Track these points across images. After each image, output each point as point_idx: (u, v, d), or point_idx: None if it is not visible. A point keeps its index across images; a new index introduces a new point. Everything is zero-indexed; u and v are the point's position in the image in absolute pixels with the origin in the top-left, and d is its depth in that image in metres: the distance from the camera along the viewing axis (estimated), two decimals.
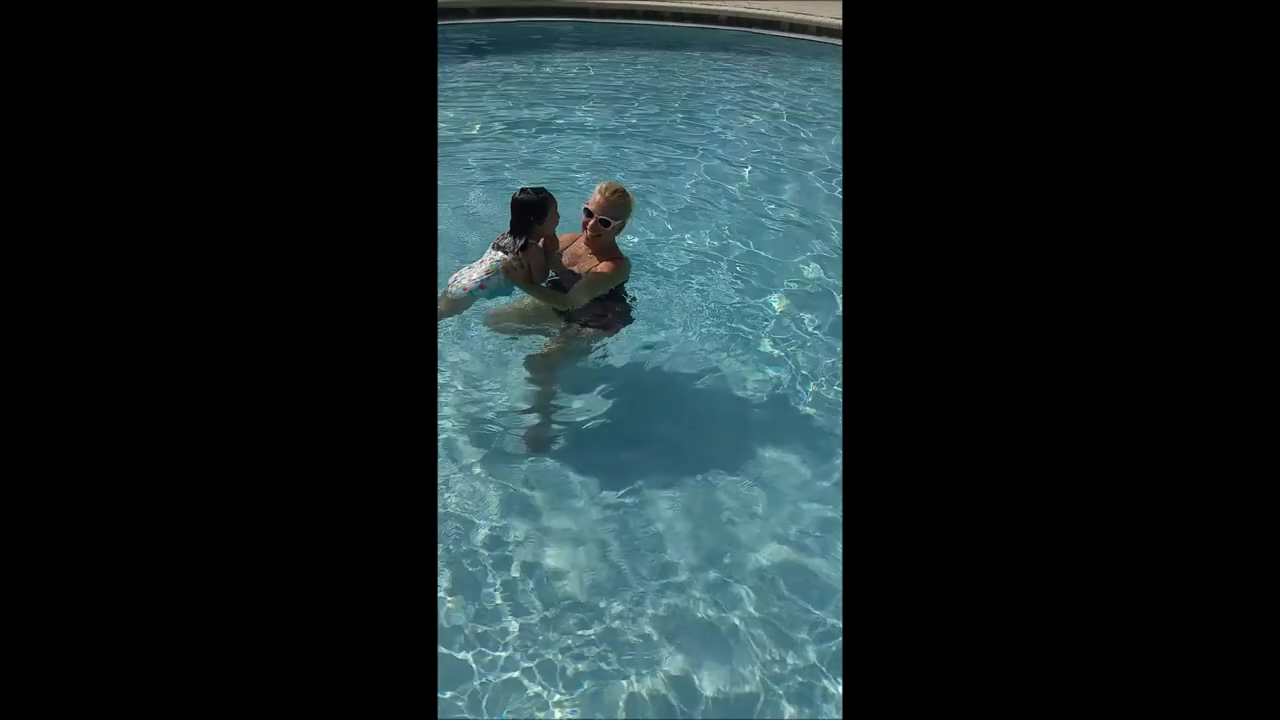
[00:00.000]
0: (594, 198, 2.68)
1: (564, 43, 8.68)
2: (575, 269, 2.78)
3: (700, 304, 3.58)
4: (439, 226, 3.92)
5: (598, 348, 3.04)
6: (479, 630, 2.04)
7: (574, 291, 2.71)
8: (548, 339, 2.90)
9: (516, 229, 2.58)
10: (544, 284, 2.75)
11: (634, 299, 3.06)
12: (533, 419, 2.81)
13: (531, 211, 2.57)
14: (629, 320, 2.99)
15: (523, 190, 2.61)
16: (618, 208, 2.70)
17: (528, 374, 2.88)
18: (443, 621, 2.03)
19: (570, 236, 2.90)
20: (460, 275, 2.64)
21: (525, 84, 7.11)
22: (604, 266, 2.72)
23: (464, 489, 2.50)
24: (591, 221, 2.68)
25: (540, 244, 2.65)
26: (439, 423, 2.66)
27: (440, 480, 2.48)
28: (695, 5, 9.69)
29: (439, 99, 5.99)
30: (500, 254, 2.58)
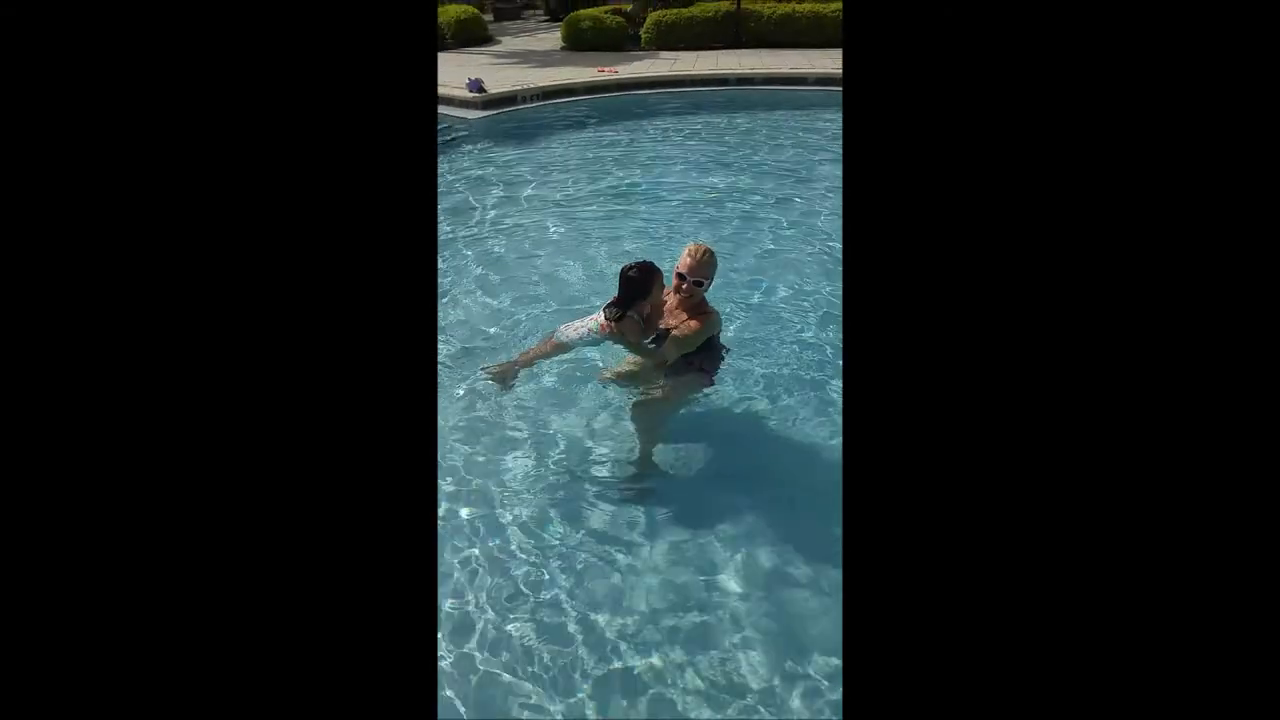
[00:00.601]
0: (685, 260, 2.80)
1: (665, 110, 9.41)
2: (667, 325, 2.93)
3: (794, 356, 3.70)
4: (568, 279, 4.58)
5: (696, 399, 3.21)
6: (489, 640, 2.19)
7: (667, 347, 2.86)
8: (650, 390, 3.12)
9: (620, 301, 2.80)
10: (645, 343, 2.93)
11: (729, 350, 3.19)
12: (634, 455, 3.01)
13: (635, 289, 2.79)
14: (717, 368, 3.11)
15: (632, 266, 2.80)
16: (708, 267, 2.82)
17: (632, 419, 3.07)
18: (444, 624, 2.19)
19: (665, 292, 3.00)
20: (568, 326, 2.98)
21: (629, 149, 7.76)
22: (694, 322, 2.85)
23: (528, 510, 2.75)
24: (685, 285, 2.81)
25: (644, 313, 2.85)
26: (546, 471, 2.95)
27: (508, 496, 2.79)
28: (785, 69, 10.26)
29: (558, 170, 6.93)
30: (601, 318, 2.86)
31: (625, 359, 3.26)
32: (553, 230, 5.53)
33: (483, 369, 3.40)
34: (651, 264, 2.83)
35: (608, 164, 7.27)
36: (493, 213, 5.96)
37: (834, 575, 2.38)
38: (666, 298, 3.06)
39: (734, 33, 12.67)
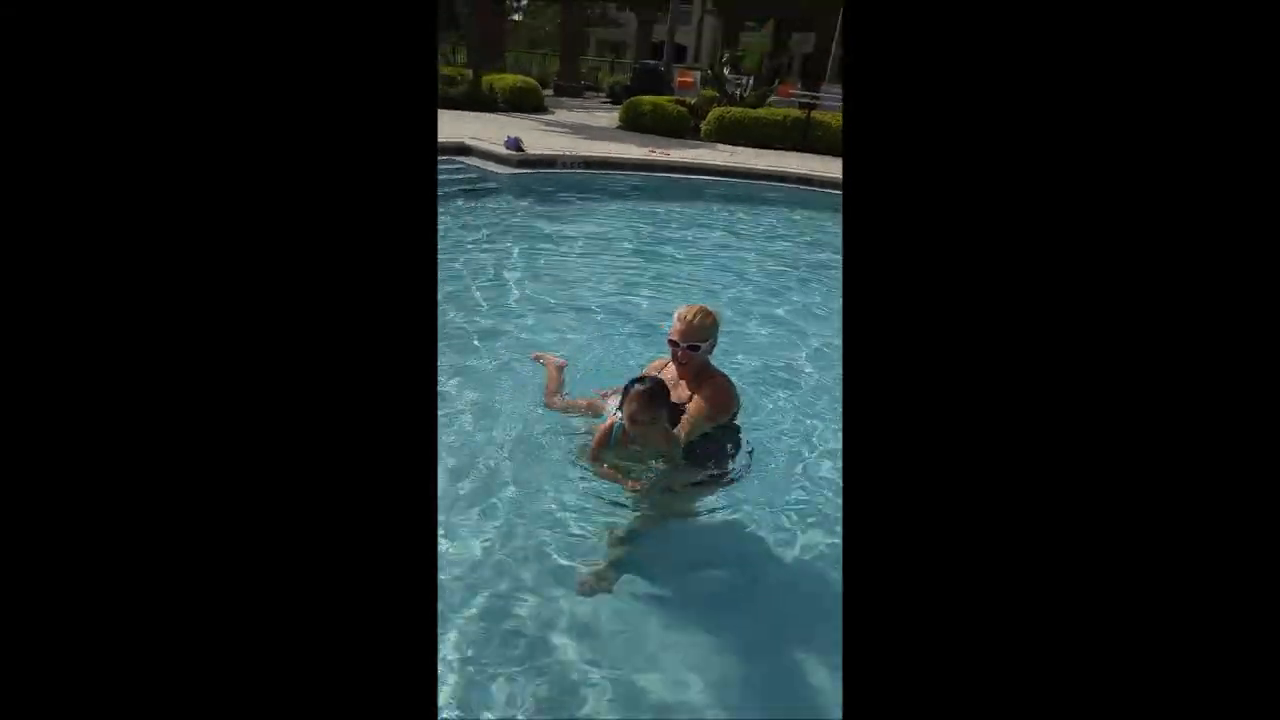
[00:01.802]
0: (675, 326, 2.52)
1: (712, 197, 8.59)
2: (674, 399, 2.50)
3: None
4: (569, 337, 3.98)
5: (707, 501, 2.58)
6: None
7: (684, 431, 2.42)
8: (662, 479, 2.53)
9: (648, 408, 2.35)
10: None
11: (749, 449, 2.67)
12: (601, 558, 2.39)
13: (663, 404, 2.36)
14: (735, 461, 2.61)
15: (643, 381, 2.37)
16: (703, 329, 2.51)
17: (632, 509, 2.50)
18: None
19: (660, 363, 2.77)
20: (610, 399, 2.67)
21: (660, 227, 6.92)
22: (708, 394, 2.51)
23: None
24: (680, 351, 2.51)
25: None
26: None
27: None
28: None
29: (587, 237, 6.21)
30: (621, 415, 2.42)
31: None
32: (557, 295, 4.84)
33: (536, 356, 3.34)
34: (660, 380, 2.41)
35: (641, 237, 6.52)
36: (494, 269, 5.29)
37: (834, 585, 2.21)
38: (659, 370, 2.70)
39: (802, 135, 11.98)
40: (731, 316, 4.53)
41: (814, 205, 8.52)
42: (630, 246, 6.24)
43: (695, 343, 2.50)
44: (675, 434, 2.42)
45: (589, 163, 9.12)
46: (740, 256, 6.27)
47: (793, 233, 7.38)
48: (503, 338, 3.94)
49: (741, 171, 9.59)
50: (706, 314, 2.54)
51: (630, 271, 5.49)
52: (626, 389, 2.36)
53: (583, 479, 2.59)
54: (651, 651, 2.03)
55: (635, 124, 12.90)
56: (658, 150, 10.22)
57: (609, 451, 2.52)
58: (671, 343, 2.53)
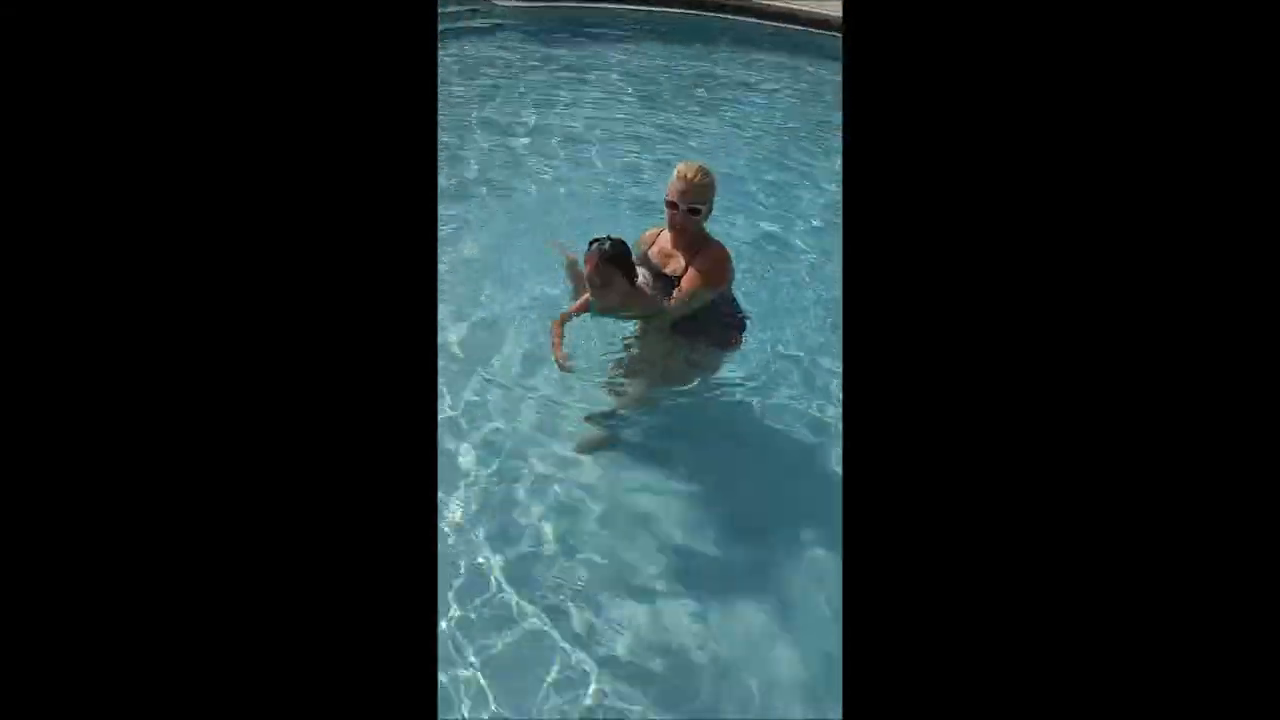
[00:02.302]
0: (674, 184, 2.30)
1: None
2: (669, 270, 2.42)
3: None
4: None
5: (710, 370, 2.62)
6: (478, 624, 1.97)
7: (675, 304, 2.35)
8: (652, 348, 2.52)
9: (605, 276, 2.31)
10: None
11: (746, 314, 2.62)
12: (599, 423, 2.51)
13: (618, 265, 2.29)
14: (744, 329, 2.58)
15: (602, 241, 2.28)
16: (704, 190, 2.31)
17: (623, 380, 2.54)
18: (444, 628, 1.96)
19: (654, 232, 2.57)
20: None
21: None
22: (704, 265, 2.35)
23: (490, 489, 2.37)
24: (678, 213, 2.32)
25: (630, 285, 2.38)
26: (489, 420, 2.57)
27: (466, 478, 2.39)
28: None
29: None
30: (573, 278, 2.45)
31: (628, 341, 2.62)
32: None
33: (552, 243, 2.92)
34: (621, 240, 2.32)
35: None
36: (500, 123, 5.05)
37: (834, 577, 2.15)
38: (652, 240, 2.54)
39: None
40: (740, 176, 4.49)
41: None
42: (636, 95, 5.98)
43: (696, 204, 2.31)
44: (645, 292, 2.36)
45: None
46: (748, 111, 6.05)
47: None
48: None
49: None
50: (706, 172, 2.32)
51: (632, 129, 5.27)
52: (587, 249, 2.27)
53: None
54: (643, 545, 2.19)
55: None
56: None
57: (594, 318, 2.51)
58: (670, 204, 2.33)
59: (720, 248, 2.45)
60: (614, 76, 6.38)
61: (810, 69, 7.35)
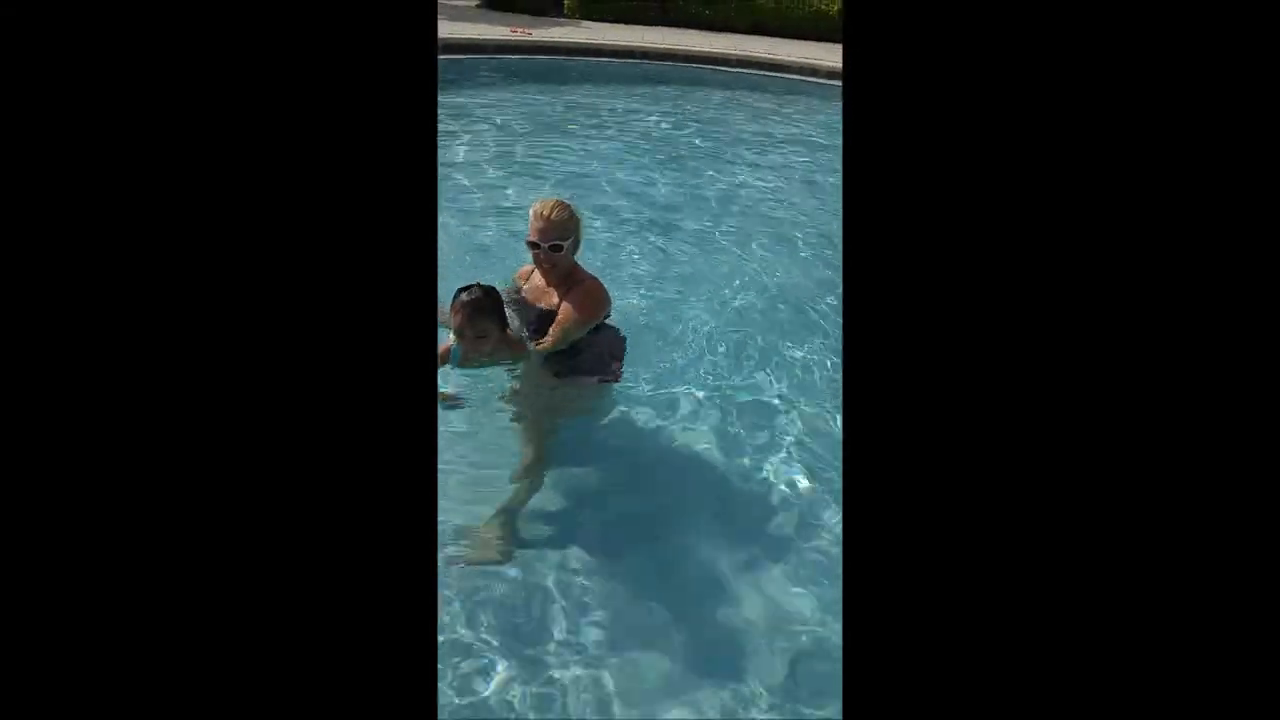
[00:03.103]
0: (532, 225, 2.32)
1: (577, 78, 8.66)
2: (545, 305, 2.43)
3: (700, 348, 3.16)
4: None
5: (600, 402, 2.59)
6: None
7: (551, 338, 2.34)
8: (535, 393, 2.42)
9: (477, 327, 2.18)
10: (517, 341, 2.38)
11: (623, 335, 2.63)
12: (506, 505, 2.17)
13: (491, 315, 2.19)
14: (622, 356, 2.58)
15: (468, 289, 2.19)
16: (562, 226, 2.32)
17: (520, 442, 2.32)
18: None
19: (529, 269, 2.56)
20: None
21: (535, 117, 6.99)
22: (575, 300, 2.36)
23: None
24: (541, 252, 2.33)
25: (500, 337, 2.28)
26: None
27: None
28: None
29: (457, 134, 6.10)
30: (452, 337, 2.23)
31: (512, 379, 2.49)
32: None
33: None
34: (491, 288, 2.26)
35: (511, 132, 6.52)
36: None
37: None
38: (526, 277, 2.57)
39: (660, 8, 11.96)
40: (613, 206, 4.69)
41: (674, 80, 8.78)
42: (497, 138, 6.23)
43: (557, 241, 2.31)
44: (515, 339, 2.30)
45: (448, 46, 8.92)
46: (610, 140, 6.47)
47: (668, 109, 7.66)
48: None
49: (607, 50, 9.64)
50: (563, 207, 2.34)
51: (503, 166, 5.45)
52: (454, 299, 2.16)
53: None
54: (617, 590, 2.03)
55: (496, 1, 12.43)
56: (520, 30, 10.06)
57: (452, 371, 2.33)
58: (531, 244, 2.33)
59: (592, 281, 2.44)
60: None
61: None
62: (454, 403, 2.41)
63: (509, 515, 2.14)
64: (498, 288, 2.36)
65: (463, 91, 7.63)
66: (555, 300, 2.42)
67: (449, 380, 2.41)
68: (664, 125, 7.06)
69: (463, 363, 2.28)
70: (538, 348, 2.38)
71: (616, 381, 2.58)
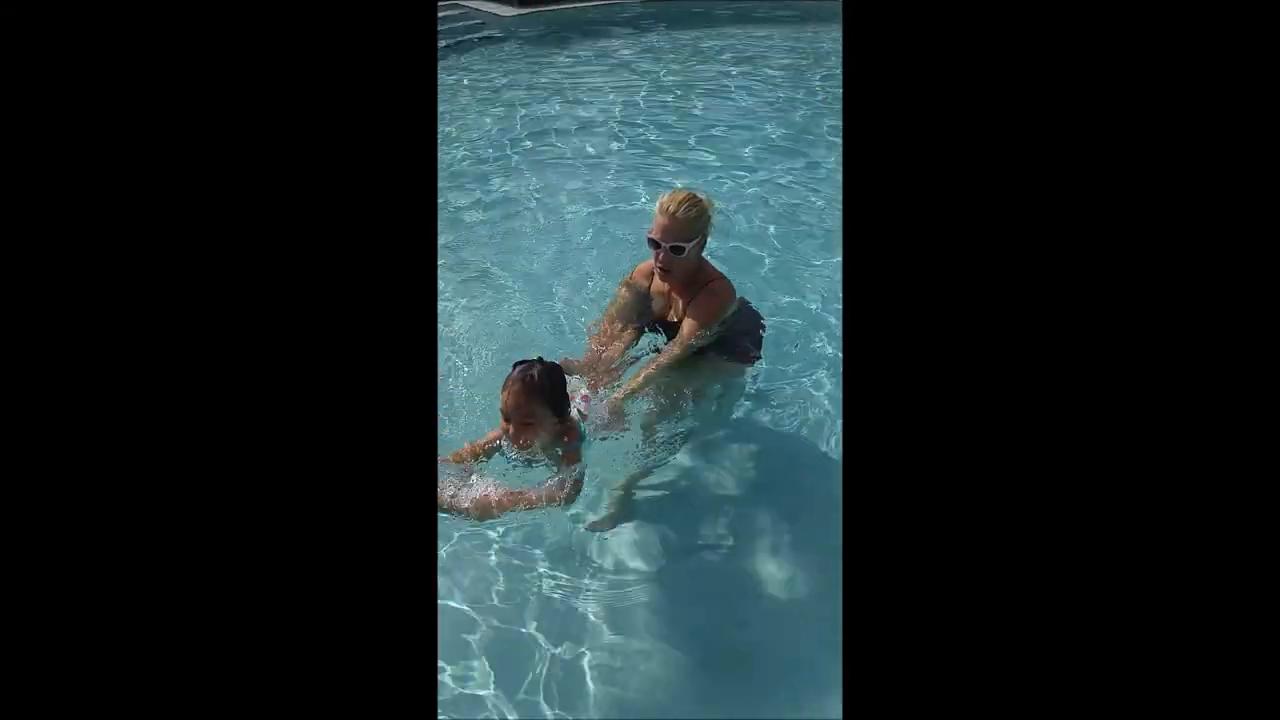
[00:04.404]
0: (657, 220, 2.06)
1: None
2: (668, 316, 2.23)
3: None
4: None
5: (729, 387, 2.48)
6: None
7: (667, 356, 2.12)
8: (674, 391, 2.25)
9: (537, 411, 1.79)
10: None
11: (764, 322, 2.47)
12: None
13: (546, 399, 1.80)
14: (760, 347, 2.41)
15: (527, 368, 1.80)
16: (690, 226, 2.05)
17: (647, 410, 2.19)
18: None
19: (647, 266, 2.28)
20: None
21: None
22: (700, 311, 2.14)
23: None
24: (661, 251, 2.07)
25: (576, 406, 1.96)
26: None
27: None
28: None
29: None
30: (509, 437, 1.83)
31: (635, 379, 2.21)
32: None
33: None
34: (555, 366, 1.88)
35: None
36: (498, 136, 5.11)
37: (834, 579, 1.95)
38: (648, 278, 2.30)
39: None
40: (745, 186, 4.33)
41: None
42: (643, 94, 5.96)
43: (679, 242, 2.06)
44: (573, 447, 1.89)
45: None
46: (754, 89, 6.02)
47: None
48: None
49: None
50: (693, 203, 2.07)
51: (640, 134, 5.15)
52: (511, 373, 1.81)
53: None
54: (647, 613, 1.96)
55: None
56: None
57: (485, 465, 1.89)
58: (651, 242, 2.10)
59: (719, 280, 2.20)
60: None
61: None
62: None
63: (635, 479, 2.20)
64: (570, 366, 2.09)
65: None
66: (678, 307, 2.22)
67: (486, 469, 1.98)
68: None
69: (518, 452, 1.85)
70: (653, 370, 2.12)
71: (746, 365, 2.42)
